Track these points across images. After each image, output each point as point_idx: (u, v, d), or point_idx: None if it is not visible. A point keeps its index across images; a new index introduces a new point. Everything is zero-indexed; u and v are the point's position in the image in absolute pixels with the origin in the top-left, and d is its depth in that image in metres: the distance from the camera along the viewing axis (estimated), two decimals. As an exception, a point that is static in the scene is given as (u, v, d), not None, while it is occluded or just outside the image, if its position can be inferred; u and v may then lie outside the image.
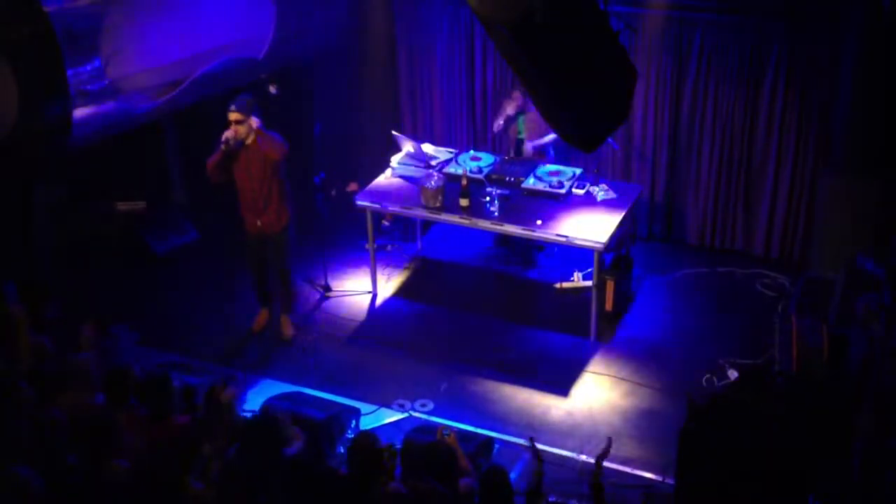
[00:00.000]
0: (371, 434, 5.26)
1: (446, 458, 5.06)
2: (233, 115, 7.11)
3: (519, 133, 8.68)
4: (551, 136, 8.40)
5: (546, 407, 7.05)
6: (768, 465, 5.05)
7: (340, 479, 5.02)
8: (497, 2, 4.52)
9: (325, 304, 8.35)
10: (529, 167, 8.28)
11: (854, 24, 7.49)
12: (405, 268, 8.83)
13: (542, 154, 8.62)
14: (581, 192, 7.99)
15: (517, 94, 8.41)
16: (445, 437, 5.45)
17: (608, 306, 7.88)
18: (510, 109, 8.48)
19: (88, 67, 6.84)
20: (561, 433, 6.76)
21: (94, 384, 5.64)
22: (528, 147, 8.57)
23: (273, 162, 7.30)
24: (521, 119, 8.58)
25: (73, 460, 4.92)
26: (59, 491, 4.66)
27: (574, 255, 8.33)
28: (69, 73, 6.38)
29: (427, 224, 8.96)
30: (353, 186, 9.05)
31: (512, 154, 8.75)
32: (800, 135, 8.28)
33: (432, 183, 7.85)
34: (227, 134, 7.12)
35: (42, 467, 4.72)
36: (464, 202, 7.79)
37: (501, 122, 8.55)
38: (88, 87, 6.90)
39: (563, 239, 7.51)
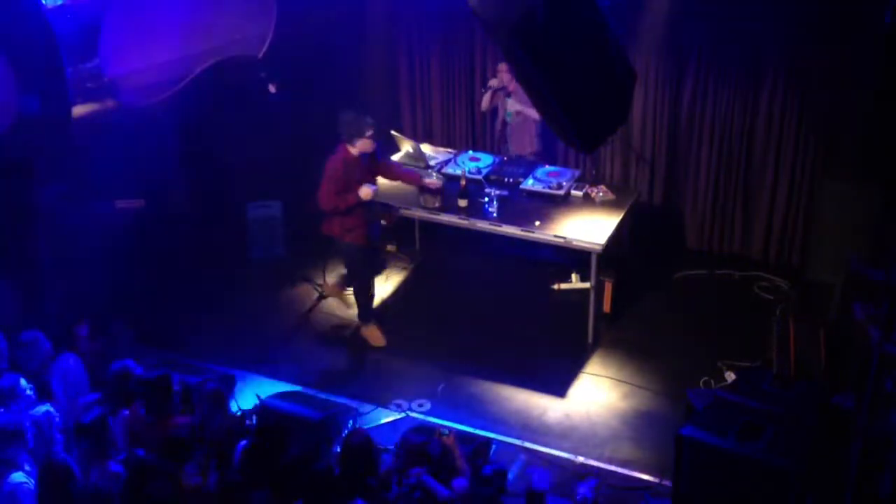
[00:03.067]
0: (364, 432, 5.28)
1: (443, 459, 5.08)
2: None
3: (508, 115, 8.63)
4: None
5: (543, 408, 7.05)
6: (766, 468, 5.06)
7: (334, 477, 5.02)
8: (497, 3, 4.53)
9: (324, 303, 8.35)
10: (528, 168, 8.29)
11: (854, 29, 7.50)
12: (403, 268, 8.83)
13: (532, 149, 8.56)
14: (580, 193, 7.99)
15: (503, 67, 8.36)
16: (444, 437, 5.45)
17: (606, 308, 7.89)
18: (495, 83, 8.45)
19: (88, 66, 6.85)
20: (558, 435, 6.76)
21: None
22: (509, 105, 8.47)
23: None
24: (508, 101, 8.53)
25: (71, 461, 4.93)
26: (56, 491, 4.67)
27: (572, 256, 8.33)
28: (69, 71, 6.38)
29: (425, 224, 8.95)
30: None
31: (499, 128, 8.73)
32: (799, 138, 8.28)
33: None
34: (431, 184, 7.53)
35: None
36: (462, 203, 7.78)
37: (488, 97, 8.51)
38: (88, 85, 6.91)
39: (562, 240, 7.51)
